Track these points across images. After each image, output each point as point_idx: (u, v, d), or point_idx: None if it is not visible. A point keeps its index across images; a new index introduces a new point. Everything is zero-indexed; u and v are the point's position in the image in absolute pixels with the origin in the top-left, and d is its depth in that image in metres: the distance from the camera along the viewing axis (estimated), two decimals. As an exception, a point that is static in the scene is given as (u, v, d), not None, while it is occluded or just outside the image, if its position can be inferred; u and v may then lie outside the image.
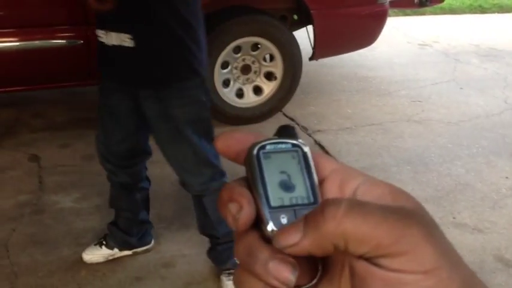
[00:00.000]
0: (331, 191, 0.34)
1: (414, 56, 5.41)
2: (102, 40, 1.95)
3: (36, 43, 3.00)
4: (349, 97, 4.30)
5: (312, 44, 3.79)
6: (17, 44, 3.02)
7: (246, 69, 3.72)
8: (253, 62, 3.72)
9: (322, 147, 3.46)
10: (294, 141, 0.34)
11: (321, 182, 0.34)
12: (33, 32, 3.00)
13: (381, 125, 3.82)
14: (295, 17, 3.97)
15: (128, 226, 2.35)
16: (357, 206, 0.30)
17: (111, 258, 2.38)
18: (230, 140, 0.35)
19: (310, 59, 3.87)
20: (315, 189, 0.33)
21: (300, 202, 0.33)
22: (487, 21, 7.03)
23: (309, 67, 4.26)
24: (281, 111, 3.90)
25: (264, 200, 0.32)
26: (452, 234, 2.63)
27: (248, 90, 3.75)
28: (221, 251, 2.25)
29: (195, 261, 2.40)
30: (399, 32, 6.15)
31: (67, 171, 3.01)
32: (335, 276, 0.33)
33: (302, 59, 3.77)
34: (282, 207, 0.32)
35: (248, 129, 3.58)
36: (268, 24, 3.63)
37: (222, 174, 2.15)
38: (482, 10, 7.62)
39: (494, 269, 2.41)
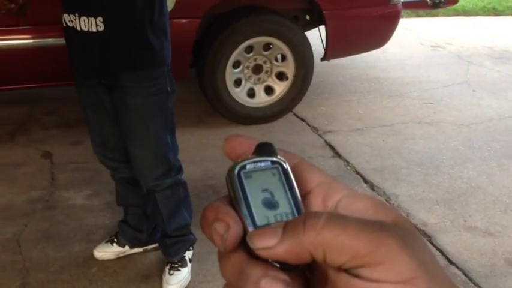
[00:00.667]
0: (315, 204, 0.34)
1: (427, 58, 5.38)
2: (71, 25, 1.87)
3: (49, 41, 3.02)
4: (361, 98, 4.29)
5: (324, 44, 3.79)
6: (31, 41, 3.05)
7: (257, 69, 3.72)
8: (264, 62, 3.72)
9: (332, 148, 3.46)
10: (274, 159, 0.34)
11: (306, 195, 0.34)
12: (46, 30, 3.02)
13: (392, 126, 3.81)
14: (307, 17, 3.97)
15: (138, 222, 2.37)
16: (336, 217, 0.31)
17: (121, 255, 2.39)
18: (234, 143, 0.36)
19: (322, 59, 3.86)
20: (298, 204, 0.33)
21: (285, 218, 0.33)
22: (500, 24, 6.97)
23: (321, 68, 4.26)
24: (292, 111, 3.90)
25: (249, 219, 0.32)
26: (463, 238, 2.61)
27: (259, 90, 3.75)
28: (169, 245, 2.25)
29: (205, 260, 2.40)
30: (412, 33, 6.12)
31: (79, 168, 3.03)
32: None
33: (314, 60, 3.76)
34: (267, 226, 0.32)
35: (259, 129, 3.59)
36: (280, 25, 3.63)
37: (179, 171, 2.15)
38: (496, 12, 7.55)
39: (505, 273, 2.39)
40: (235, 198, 0.33)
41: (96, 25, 1.82)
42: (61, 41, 3.05)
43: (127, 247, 2.39)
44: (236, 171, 0.34)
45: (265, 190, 0.34)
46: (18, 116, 3.68)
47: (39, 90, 3.86)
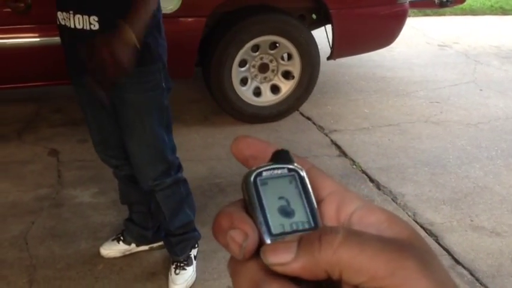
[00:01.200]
0: (328, 214, 0.34)
1: (433, 57, 5.36)
2: (64, 23, 1.86)
3: (56, 39, 3.03)
4: (367, 97, 4.28)
5: (330, 43, 3.78)
6: (37, 40, 3.06)
7: (263, 68, 3.72)
8: (271, 61, 3.72)
9: (338, 147, 3.45)
10: (290, 166, 0.34)
11: (318, 203, 0.34)
12: (53, 28, 3.04)
13: (398, 125, 3.80)
14: (314, 16, 3.96)
15: (143, 220, 2.37)
16: (354, 235, 0.30)
17: (128, 253, 2.40)
18: (242, 144, 0.36)
19: (328, 58, 3.86)
20: (314, 213, 0.33)
21: (300, 227, 0.32)
22: (508, 23, 6.93)
23: (327, 67, 4.25)
24: (298, 110, 3.89)
25: (264, 227, 0.32)
26: (469, 237, 2.60)
27: (265, 89, 3.75)
28: (174, 244, 2.24)
29: (211, 258, 2.41)
30: (419, 32, 6.10)
31: (85, 166, 3.05)
32: None
33: (320, 59, 3.76)
34: (283, 234, 0.32)
35: (265, 128, 3.59)
36: (286, 23, 3.63)
37: (178, 169, 2.13)
38: (503, 11, 7.51)
39: (512, 273, 2.38)
40: (250, 205, 0.33)
41: (90, 23, 1.80)
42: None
43: (133, 245, 2.40)
44: (252, 178, 0.33)
45: (281, 198, 0.33)
46: (26, 114, 3.70)
47: (46, 88, 3.87)
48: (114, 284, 2.25)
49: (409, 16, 4.17)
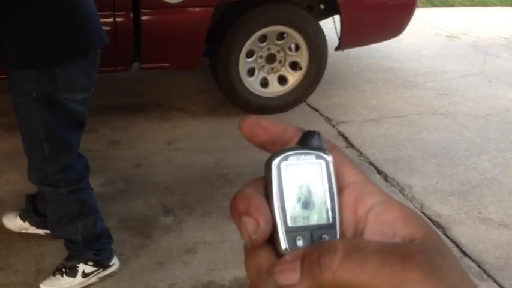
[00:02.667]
0: (347, 205, 0.33)
1: (442, 48, 5.31)
2: None
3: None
4: (375, 88, 4.25)
5: (338, 34, 3.75)
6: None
7: (271, 59, 3.70)
8: (278, 52, 3.70)
9: (346, 139, 3.44)
10: (319, 153, 0.32)
11: (339, 191, 0.33)
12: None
13: (406, 117, 3.77)
14: (322, 6, 3.93)
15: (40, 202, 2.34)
16: (353, 252, 0.29)
17: (24, 231, 2.40)
18: (257, 129, 0.34)
19: (336, 49, 3.83)
20: (334, 208, 0.32)
21: (317, 223, 0.31)
22: (518, 14, 6.86)
23: (334, 58, 4.22)
24: (305, 101, 3.88)
25: (280, 218, 0.31)
26: (477, 229, 2.59)
27: (273, 79, 3.73)
28: (67, 248, 2.20)
29: (217, 249, 2.41)
30: (427, 23, 6.05)
31: (93, 156, 3.03)
32: None
33: (328, 49, 3.73)
34: (298, 228, 0.31)
35: (272, 119, 3.59)
36: (294, 14, 3.60)
37: (67, 185, 2.01)
38: (513, 2, 7.43)
39: (520, 266, 2.36)
40: (270, 190, 0.32)
41: None
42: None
43: (27, 223, 2.40)
44: (277, 162, 0.32)
45: (303, 187, 0.32)
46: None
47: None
48: (121, 273, 2.26)
49: (418, 6, 4.13)
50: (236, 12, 3.52)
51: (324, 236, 0.31)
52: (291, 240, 0.31)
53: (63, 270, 2.18)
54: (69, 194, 2.02)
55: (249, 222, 0.31)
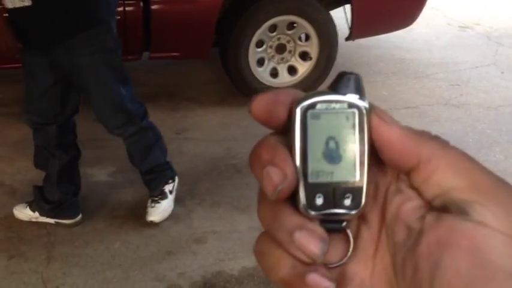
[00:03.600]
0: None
1: (454, 38, 5.24)
2: (6, 5, 2.03)
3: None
4: (385, 79, 4.21)
5: (349, 23, 3.72)
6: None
7: (280, 49, 3.68)
8: (288, 42, 3.67)
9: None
10: (352, 101, 0.28)
11: (410, 171, 0.29)
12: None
13: (417, 108, 3.74)
14: (333, -5, 3.90)
15: (49, 190, 2.39)
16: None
17: (34, 220, 2.43)
18: (275, 106, 0.29)
19: (347, 39, 3.80)
20: (364, 165, 0.29)
21: (341, 179, 0.29)
22: (532, 4, 6.75)
23: (345, 48, 4.19)
24: (315, 91, 3.85)
25: (301, 171, 0.28)
26: (488, 221, 2.57)
27: (282, 70, 3.71)
28: (147, 181, 2.48)
29: (227, 238, 2.42)
30: (439, 13, 5.97)
31: (102, 146, 3.05)
32: (368, 253, 0.30)
33: (338, 39, 3.70)
34: (320, 183, 0.29)
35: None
36: (304, 3, 3.57)
37: (143, 117, 2.33)
38: (527, -8, 7.30)
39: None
40: (292, 140, 0.29)
41: (22, 1, 1.98)
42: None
43: (37, 213, 2.42)
44: (302, 109, 0.28)
45: (331, 138, 0.29)
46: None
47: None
48: (130, 261, 2.27)
49: (430, -4, 4.07)
50: (246, 2, 3.50)
51: (347, 194, 0.29)
52: (311, 196, 0.28)
53: (157, 198, 2.44)
54: (147, 124, 2.36)
55: (274, 173, 0.28)
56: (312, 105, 0.28)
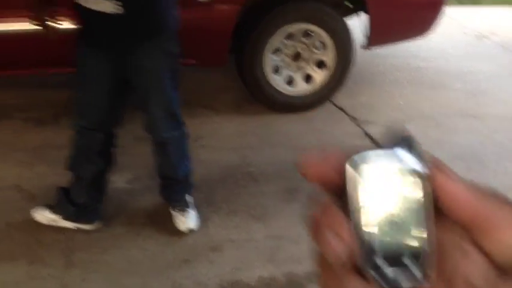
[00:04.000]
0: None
1: (470, 48, 5.22)
2: (89, 6, 2.04)
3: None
4: (401, 88, 4.20)
5: (366, 32, 3.71)
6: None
7: (296, 57, 3.69)
8: (304, 50, 3.68)
9: (372, 139, 3.41)
10: (415, 167, 0.27)
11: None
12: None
13: (433, 118, 3.72)
14: (349, 4, 3.90)
15: (76, 193, 2.40)
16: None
17: (53, 223, 2.44)
18: (322, 167, 0.29)
19: (363, 47, 3.79)
20: (429, 232, 0.27)
21: (406, 246, 0.27)
22: (549, 13, 6.70)
23: (361, 56, 4.18)
24: (331, 100, 3.85)
25: (362, 237, 0.27)
26: (507, 235, 2.55)
27: (298, 78, 3.72)
28: (177, 191, 2.51)
29: (243, 247, 2.42)
30: (455, 22, 5.94)
31: (120, 152, 3.06)
32: None
33: (354, 48, 3.70)
34: (385, 251, 0.27)
35: (296, 118, 3.57)
36: (320, 11, 3.58)
37: (183, 123, 2.39)
38: (544, 1, 7.25)
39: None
40: (350, 204, 0.27)
41: (113, 7, 2.02)
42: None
43: (59, 216, 2.43)
44: (360, 169, 0.27)
45: (391, 202, 0.27)
46: (61, 99, 3.74)
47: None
48: (146, 269, 2.29)
49: (446, 5, 4.06)
50: (262, 10, 3.51)
51: (414, 263, 0.28)
52: (376, 265, 0.28)
53: (184, 208, 2.48)
54: (185, 130, 2.42)
55: (335, 241, 0.27)
56: (371, 167, 0.27)
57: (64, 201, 2.42)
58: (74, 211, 2.41)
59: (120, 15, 2.03)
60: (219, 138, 3.32)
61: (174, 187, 2.51)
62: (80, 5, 2.07)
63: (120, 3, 2.02)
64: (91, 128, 2.30)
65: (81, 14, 2.13)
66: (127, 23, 2.07)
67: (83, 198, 2.39)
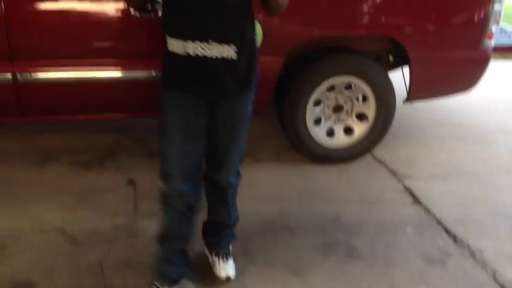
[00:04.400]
0: None
1: (514, 103, 5.14)
2: (197, 52, 1.92)
3: (137, 74, 3.17)
4: (442, 143, 4.15)
5: (407, 86, 3.72)
6: (121, 75, 3.19)
7: (337, 109, 3.71)
8: (345, 102, 3.70)
9: (412, 195, 3.35)
10: None
11: None
12: (135, 63, 3.17)
13: (476, 175, 3.64)
14: (391, 58, 3.93)
15: (175, 256, 2.36)
16: None
17: None
18: None
19: (405, 101, 3.79)
20: None
21: None
22: None
23: (402, 110, 4.18)
24: (371, 153, 3.84)
25: None
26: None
27: (339, 129, 3.73)
28: (223, 237, 2.53)
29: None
30: (498, 77, 5.88)
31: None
32: None
33: (396, 101, 3.70)
34: None
35: (335, 169, 3.56)
36: (363, 64, 3.61)
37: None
38: None
39: None
40: None
41: (227, 52, 1.95)
42: (147, 73, 3.18)
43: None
44: None
45: None
46: (107, 143, 3.87)
47: (128, 119, 4.05)
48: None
49: (490, 61, 4.03)
50: (305, 61, 3.58)
51: None
52: None
53: (227, 256, 2.52)
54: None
55: None
56: None
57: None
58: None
59: (228, 60, 1.97)
60: (257, 188, 3.34)
61: (224, 233, 2.53)
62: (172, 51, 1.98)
63: (235, 47, 1.95)
64: (189, 191, 2.20)
65: (172, 59, 2.00)
66: (238, 70, 2.02)
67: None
